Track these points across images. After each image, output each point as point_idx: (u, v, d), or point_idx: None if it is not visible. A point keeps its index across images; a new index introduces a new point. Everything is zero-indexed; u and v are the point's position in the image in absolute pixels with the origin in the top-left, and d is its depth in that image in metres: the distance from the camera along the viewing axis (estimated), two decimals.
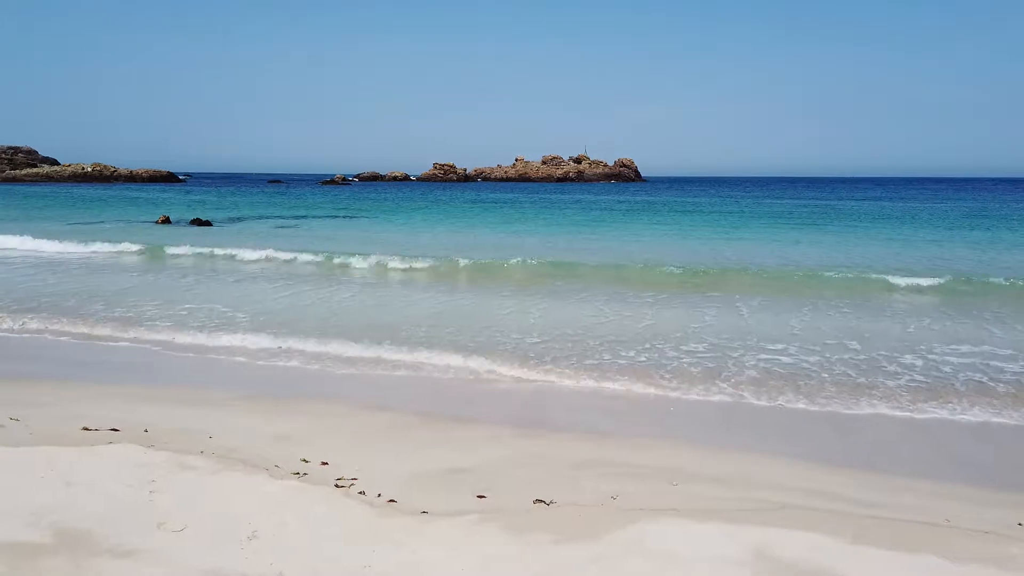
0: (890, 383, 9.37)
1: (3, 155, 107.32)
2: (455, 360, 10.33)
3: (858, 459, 6.99)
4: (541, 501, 5.61)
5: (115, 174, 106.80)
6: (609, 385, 9.35)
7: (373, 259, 20.75)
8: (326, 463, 6.32)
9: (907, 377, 9.63)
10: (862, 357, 10.62)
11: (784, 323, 12.96)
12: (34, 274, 18.77)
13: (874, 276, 18.23)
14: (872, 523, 5.38)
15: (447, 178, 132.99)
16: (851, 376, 9.68)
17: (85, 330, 12.22)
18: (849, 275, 18.33)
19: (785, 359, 10.48)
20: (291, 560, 4.51)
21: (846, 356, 10.66)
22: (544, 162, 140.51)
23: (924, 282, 17.31)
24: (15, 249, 23.42)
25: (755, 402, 8.74)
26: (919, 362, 10.34)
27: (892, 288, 17.05)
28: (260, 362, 10.38)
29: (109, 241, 24.80)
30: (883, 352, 10.87)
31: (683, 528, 5.15)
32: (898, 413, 8.34)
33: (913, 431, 7.84)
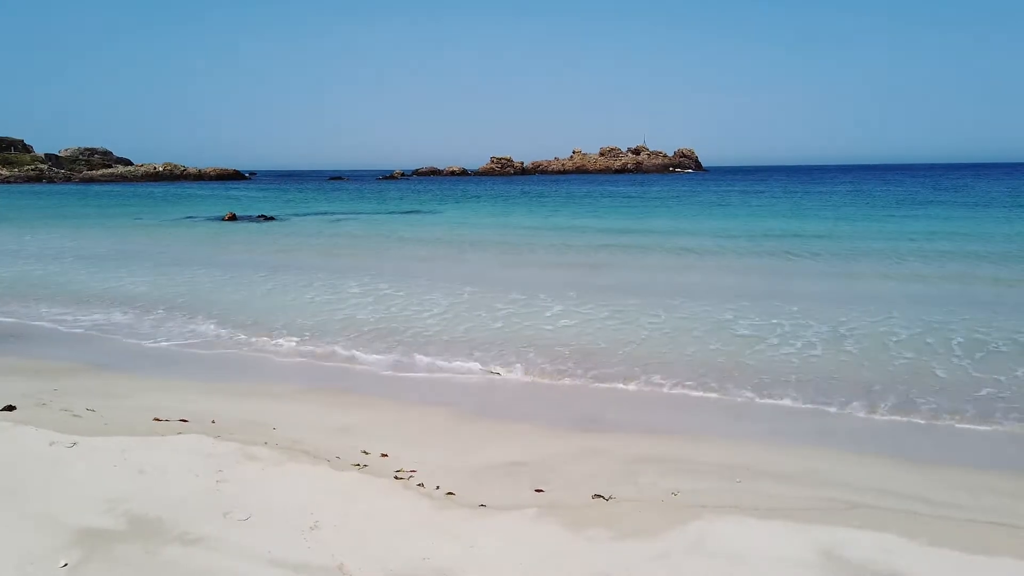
0: (971, 379, 8.95)
1: (81, 156, 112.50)
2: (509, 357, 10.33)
3: (934, 457, 6.70)
4: (600, 496, 5.55)
5: (184, 173, 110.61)
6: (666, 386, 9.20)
7: None
8: (386, 455, 6.39)
9: (989, 372, 9.19)
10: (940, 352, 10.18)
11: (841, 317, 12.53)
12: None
13: None
14: (948, 524, 5.15)
15: (504, 172, 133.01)
16: (931, 374, 9.28)
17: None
18: None
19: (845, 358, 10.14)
20: (351, 550, 4.57)
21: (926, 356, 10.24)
22: (602, 154, 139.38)
23: None
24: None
25: (821, 400, 8.46)
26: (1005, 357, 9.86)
27: None
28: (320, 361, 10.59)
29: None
30: (962, 350, 10.40)
31: (746, 526, 5.03)
32: (977, 411, 7.96)
33: (993, 429, 7.47)
